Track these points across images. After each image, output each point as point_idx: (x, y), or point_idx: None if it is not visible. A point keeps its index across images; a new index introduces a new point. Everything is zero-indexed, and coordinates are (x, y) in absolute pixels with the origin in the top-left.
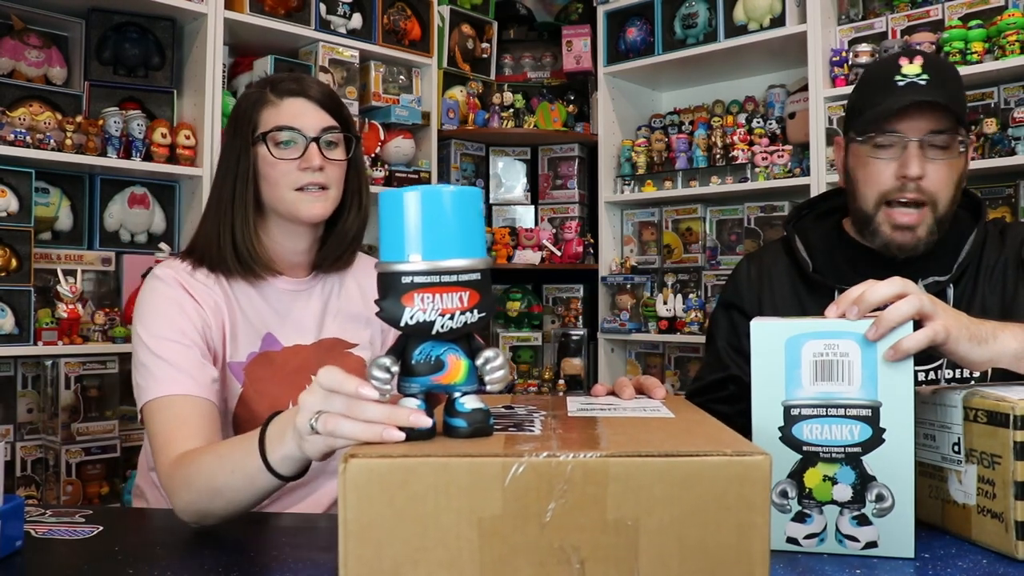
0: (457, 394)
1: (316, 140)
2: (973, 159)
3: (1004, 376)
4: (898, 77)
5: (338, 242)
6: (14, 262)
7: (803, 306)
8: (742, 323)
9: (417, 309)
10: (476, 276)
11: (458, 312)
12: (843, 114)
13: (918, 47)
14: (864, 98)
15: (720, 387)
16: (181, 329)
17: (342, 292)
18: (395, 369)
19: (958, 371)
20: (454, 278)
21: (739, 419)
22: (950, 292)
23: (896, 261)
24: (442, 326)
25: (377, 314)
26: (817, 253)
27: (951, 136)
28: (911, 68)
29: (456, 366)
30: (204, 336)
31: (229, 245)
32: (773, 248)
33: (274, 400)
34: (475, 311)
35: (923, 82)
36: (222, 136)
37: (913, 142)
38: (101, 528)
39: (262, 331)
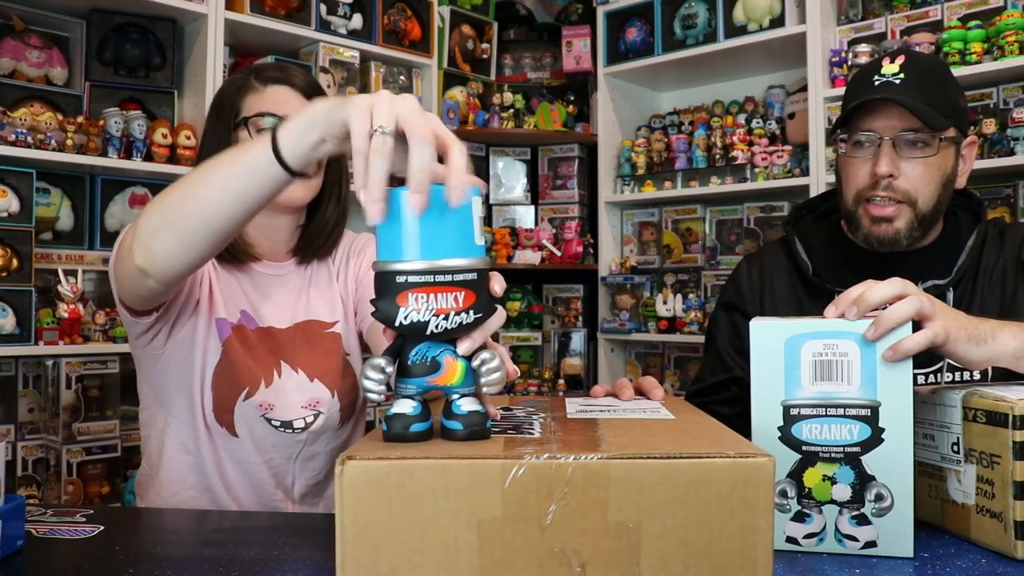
0: (454, 396)
1: None
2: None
3: (1005, 376)
4: (876, 77)
5: (316, 233)
6: (15, 262)
7: (803, 308)
8: (744, 324)
9: (411, 309)
10: (472, 276)
11: (453, 312)
12: None
13: (917, 47)
14: (845, 99)
15: (722, 388)
16: None
17: (322, 276)
18: (390, 370)
19: (958, 374)
20: (449, 278)
21: (739, 421)
22: (950, 295)
23: (894, 262)
24: (436, 326)
25: (373, 314)
26: (816, 255)
27: (926, 134)
28: (889, 68)
29: (452, 367)
30: None
31: None
32: (773, 249)
33: (248, 372)
34: (471, 311)
35: (897, 81)
36: (205, 122)
37: (886, 140)
38: (102, 528)
39: (237, 308)
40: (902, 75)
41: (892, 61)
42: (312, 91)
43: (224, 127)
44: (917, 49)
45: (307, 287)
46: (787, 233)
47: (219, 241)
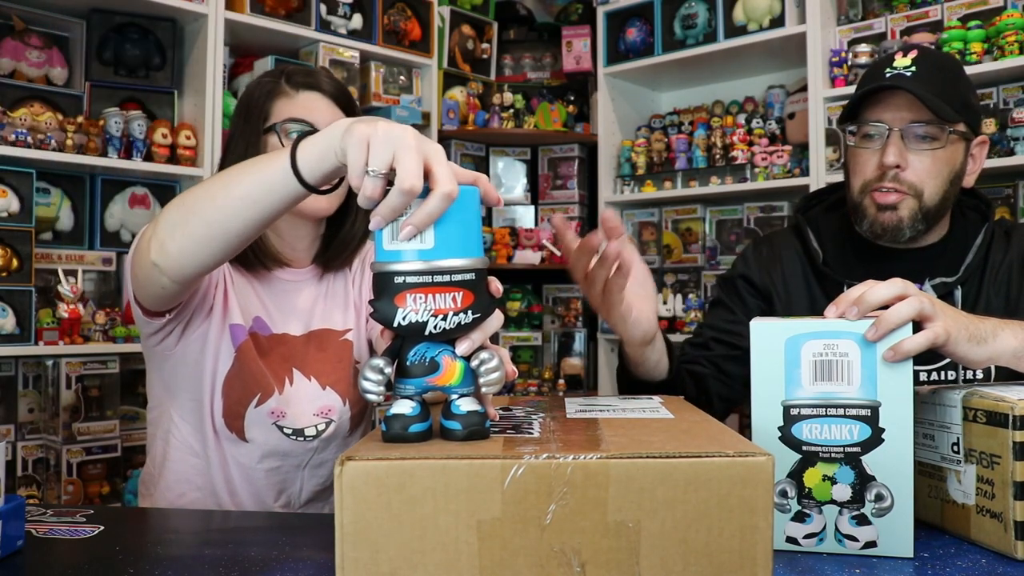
0: (454, 396)
1: None
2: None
3: (1009, 375)
4: (887, 69)
5: (343, 245)
6: (15, 262)
7: (813, 296)
8: (750, 294)
9: (409, 310)
10: (470, 276)
11: (451, 313)
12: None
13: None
14: (856, 91)
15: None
16: None
17: (339, 284)
18: (388, 370)
19: (968, 372)
20: (447, 278)
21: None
22: (958, 293)
23: (903, 258)
24: (435, 327)
25: (371, 315)
26: (827, 245)
27: (934, 127)
28: (902, 61)
29: (451, 368)
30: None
31: None
32: (783, 234)
33: (260, 379)
34: (469, 312)
35: (908, 73)
36: (231, 121)
37: (894, 132)
38: (102, 528)
39: (251, 314)
40: (914, 68)
41: (905, 55)
42: (341, 97)
43: (252, 130)
44: (921, 45)
45: (324, 295)
46: (799, 221)
47: (234, 246)
